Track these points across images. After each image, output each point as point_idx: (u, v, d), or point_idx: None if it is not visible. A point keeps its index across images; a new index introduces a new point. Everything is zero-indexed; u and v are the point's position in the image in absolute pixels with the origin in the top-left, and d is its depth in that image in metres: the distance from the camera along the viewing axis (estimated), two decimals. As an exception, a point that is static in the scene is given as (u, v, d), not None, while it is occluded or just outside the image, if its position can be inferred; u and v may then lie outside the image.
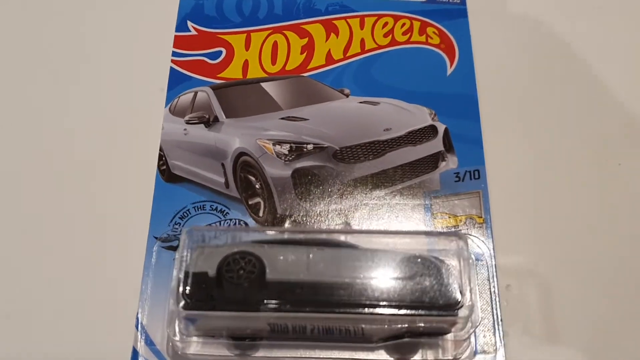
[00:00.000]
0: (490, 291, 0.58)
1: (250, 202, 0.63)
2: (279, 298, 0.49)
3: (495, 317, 0.57)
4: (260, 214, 0.63)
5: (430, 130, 0.67)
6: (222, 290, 0.49)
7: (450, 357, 0.55)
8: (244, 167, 0.65)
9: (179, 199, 0.63)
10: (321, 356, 0.55)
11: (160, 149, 0.66)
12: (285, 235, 0.53)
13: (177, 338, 0.54)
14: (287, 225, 0.62)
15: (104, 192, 0.63)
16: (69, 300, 0.58)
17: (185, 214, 0.62)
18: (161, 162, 0.65)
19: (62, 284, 0.59)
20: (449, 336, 0.53)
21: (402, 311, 0.48)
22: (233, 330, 0.52)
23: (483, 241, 0.61)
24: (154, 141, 0.66)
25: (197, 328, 0.53)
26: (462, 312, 0.50)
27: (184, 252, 0.51)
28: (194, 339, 0.55)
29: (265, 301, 0.48)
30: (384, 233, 0.54)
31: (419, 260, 0.50)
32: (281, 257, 0.50)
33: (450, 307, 0.49)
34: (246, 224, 0.62)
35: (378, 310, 0.48)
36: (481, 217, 0.62)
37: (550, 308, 0.59)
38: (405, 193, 0.64)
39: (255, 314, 0.48)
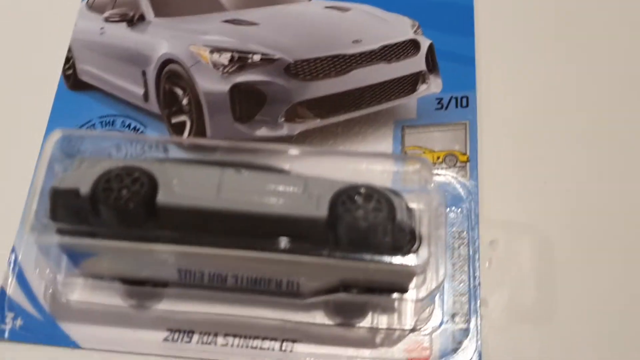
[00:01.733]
0: (468, 247, 0.46)
1: (173, 121, 0.52)
2: (169, 228, 0.37)
3: (471, 279, 0.45)
4: (185, 135, 0.51)
5: (411, 45, 0.55)
6: (96, 215, 0.37)
7: (406, 326, 0.43)
8: (171, 77, 0.53)
9: (83, 111, 0.52)
10: (242, 313, 0.44)
11: (69, 50, 0.54)
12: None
13: (58, 279, 0.43)
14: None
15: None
16: None
17: (89, 128, 0.50)
18: (67, 66, 0.54)
19: None
20: (405, 298, 0.41)
21: (337, 254, 0.37)
22: (124, 272, 0.40)
23: (465, 184, 0.48)
24: (63, 40, 0.55)
25: (80, 266, 0.42)
26: (418, 259, 0.37)
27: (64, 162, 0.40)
28: (80, 280, 0.44)
29: (148, 230, 0.37)
30: (326, 153, 0.42)
31: (365, 191, 0.38)
32: (181, 177, 0.38)
33: (404, 251, 0.37)
34: (165, 147, 0.50)
35: (297, 250, 0.37)
36: (465, 155, 0.50)
37: (544, 273, 0.46)
38: (371, 120, 0.52)
39: (136, 246, 0.37)
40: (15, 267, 0.45)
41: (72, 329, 0.44)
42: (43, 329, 0.44)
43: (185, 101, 0.52)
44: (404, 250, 0.37)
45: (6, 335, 0.44)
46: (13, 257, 0.45)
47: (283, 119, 0.52)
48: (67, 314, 0.44)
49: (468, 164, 0.50)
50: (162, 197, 0.38)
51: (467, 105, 0.52)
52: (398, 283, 0.39)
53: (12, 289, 0.45)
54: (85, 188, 0.38)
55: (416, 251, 0.37)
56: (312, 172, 0.41)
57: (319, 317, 0.44)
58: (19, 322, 0.44)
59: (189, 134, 0.51)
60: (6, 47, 0.54)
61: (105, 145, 0.42)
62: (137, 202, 0.37)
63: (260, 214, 0.37)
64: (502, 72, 0.54)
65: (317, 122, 0.52)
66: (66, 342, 0.44)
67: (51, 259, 0.41)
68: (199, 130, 0.51)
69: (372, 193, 0.38)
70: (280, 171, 0.41)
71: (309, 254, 0.36)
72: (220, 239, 0.37)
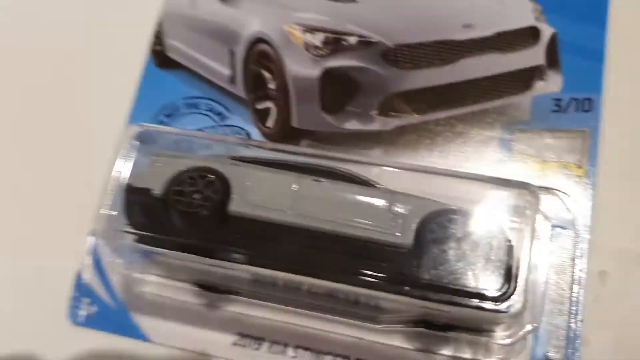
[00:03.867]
0: (572, 276, 0.41)
1: (257, 107, 0.50)
2: (239, 242, 0.36)
3: (572, 314, 0.41)
4: (269, 123, 0.49)
5: (530, 34, 0.50)
6: (167, 218, 0.37)
7: (492, 362, 0.40)
8: (260, 58, 0.51)
9: (168, 91, 0.51)
10: (315, 326, 0.42)
11: (159, 24, 0.53)
12: (278, 156, 0.39)
13: (132, 272, 0.44)
14: (302, 144, 0.48)
15: (79, 73, 0.52)
16: (20, 200, 0.49)
17: (173, 111, 0.50)
18: (156, 41, 0.53)
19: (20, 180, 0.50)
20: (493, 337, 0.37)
21: (416, 292, 0.34)
22: (194, 277, 0.40)
23: (577, 202, 0.44)
24: (151, 12, 0.53)
25: (151, 264, 0.42)
26: (511, 307, 0.34)
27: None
28: (153, 277, 0.44)
29: (219, 244, 0.36)
30: (419, 171, 0.39)
31: (457, 216, 0.35)
32: (256, 184, 0.36)
33: (492, 295, 0.33)
34: (248, 134, 0.49)
35: (378, 284, 0.34)
36: (581, 167, 0.45)
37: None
38: (477, 119, 0.48)
39: (205, 260, 0.36)
40: (93, 254, 0.45)
41: (144, 321, 0.44)
42: (116, 317, 0.45)
43: (272, 86, 0.50)
44: (496, 294, 0.33)
45: (82, 320, 0.45)
46: (90, 243, 0.46)
47: (376, 112, 0.48)
48: (140, 305, 0.44)
49: (584, 178, 0.45)
50: (234, 206, 0.36)
51: (589, 110, 0.46)
52: (485, 326, 0.35)
53: (89, 275, 0.45)
54: (157, 188, 0.37)
55: (510, 296, 0.33)
56: (399, 184, 0.38)
57: (397, 340, 0.41)
58: (94, 308, 0.45)
59: (274, 122, 0.49)
60: (93, 19, 0.54)
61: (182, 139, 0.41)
62: (209, 208, 0.36)
63: (335, 234, 0.35)
64: (637, 74, 0.47)
65: (415, 118, 0.48)
66: (136, 334, 0.44)
67: (124, 256, 0.41)
68: (283, 118, 0.49)
69: (468, 221, 0.35)
70: (364, 183, 0.38)
71: (385, 289, 0.34)
72: (291, 257, 0.35)
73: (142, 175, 0.38)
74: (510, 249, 0.35)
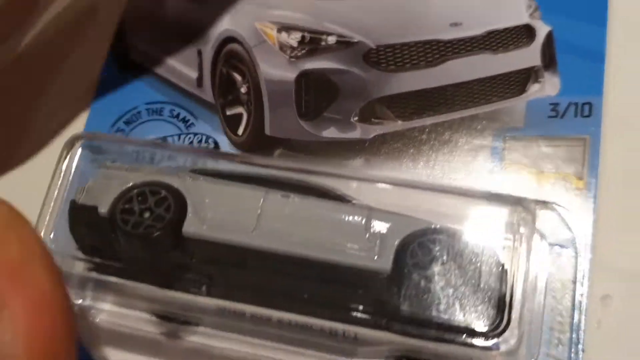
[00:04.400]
0: (572, 302, 0.37)
1: (227, 112, 0.46)
2: (195, 268, 0.31)
3: (573, 343, 0.37)
4: (240, 131, 0.45)
5: (524, 33, 0.46)
6: (113, 240, 0.32)
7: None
8: (230, 59, 0.47)
9: (129, 96, 0.46)
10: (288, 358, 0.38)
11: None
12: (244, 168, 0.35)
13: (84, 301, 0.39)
14: (276, 154, 0.44)
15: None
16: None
17: (134, 117, 0.46)
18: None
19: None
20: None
21: (396, 325, 0.30)
22: (152, 305, 0.36)
23: (577, 217, 0.40)
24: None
25: (105, 291, 0.37)
26: (504, 342, 0.30)
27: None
28: (107, 305, 0.39)
29: (172, 270, 0.31)
30: (397, 184, 0.35)
31: (442, 236, 0.31)
32: (216, 200, 0.32)
33: (481, 330, 0.29)
34: (216, 143, 0.45)
35: (353, 317, 0.30)
36: (582, 179, 0.41)
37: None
38: (466, 126, 0.44)
39: (158, 292, 0.31)
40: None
41: (99, 353, 0.40)
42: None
43: (243, 89, 0.46)
44: (488, 329, 0.29)
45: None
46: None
47: (357, 118, 0.44)
48: (95, 336, 0.40)
49: (584, 191, 0.41)
50: (189, 227, 0.32)
51: (589, 115, 0.43)
52: (473, 363, 0.31)
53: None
54: (104, 206, 0.33)
55: (503, 331, 0.29)
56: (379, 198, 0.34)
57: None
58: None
59: (245, 130, 0.45)
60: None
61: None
62: (161, 229, 0.32)
63: (304, 259, 0.31)
64: (640, 75, 0.43)
65: (398, 125, 0.44)
66: (91, 366, 0.40)
67: (73, 284, 0.36)
68: (255, 125, 0.45)
69: (455, 243, 0.30)
70: (339, 198, 0.34)
71: (361, 323, 0.30)
72: (255, 286, 0.31)
73: (88, 190, 0.34)
74: (503, 274, 0.31)
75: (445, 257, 0.31)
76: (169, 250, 0.32)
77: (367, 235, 0.32)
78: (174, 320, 0.36)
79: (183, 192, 0.33)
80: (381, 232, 0.32)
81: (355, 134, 0.44)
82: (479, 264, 0.30)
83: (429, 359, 0.32)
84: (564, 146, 0.42)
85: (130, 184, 0.33)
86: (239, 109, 0.46)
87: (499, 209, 0.32)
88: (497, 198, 0.34)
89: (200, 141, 0.45)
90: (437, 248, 0.31)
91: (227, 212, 0.33)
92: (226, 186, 0.34)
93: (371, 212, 0.33)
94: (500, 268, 0.31)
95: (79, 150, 0.34)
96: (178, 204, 0.32)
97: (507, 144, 0.43)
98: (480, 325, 0.29)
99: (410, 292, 0.30)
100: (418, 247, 0.31)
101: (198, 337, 0.39)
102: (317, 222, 0.32)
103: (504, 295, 0.30)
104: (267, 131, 0.45)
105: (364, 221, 0.32)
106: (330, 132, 0.44)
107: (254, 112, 0.45)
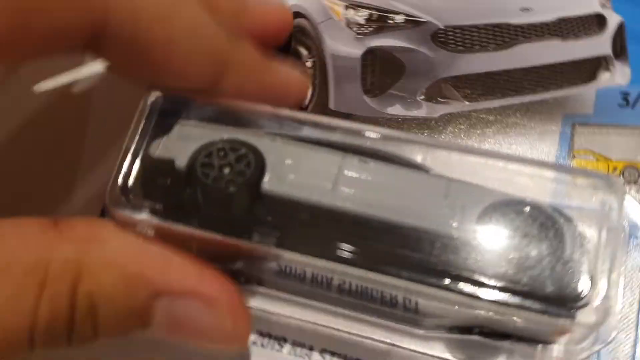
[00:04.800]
0: (642, 290, 0.37)
1: (293, 85, 0.46)
2: (271, 223, 0.31)
3: (641, 332, 0.36)
4: (304, 105, 0.45)
5: (595, 21, 0.45)
6: (190, 193, 0.32)
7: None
8: (296, 33, 0.47)
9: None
10: (346, 329, 0.38)
11: None
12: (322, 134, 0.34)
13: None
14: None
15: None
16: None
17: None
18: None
19: None
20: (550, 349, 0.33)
21: (477, 291, 0.29)
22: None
23: (645, 208, 0.39)
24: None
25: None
26: (585, 315, 0.29)
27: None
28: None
29: (252, 225, 0.31)
30: (481, 154, 0.34)
31: (527, 210, 0.30)
32: (294, 160, 0.32)
33: (565, 301, 0.29)
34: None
35: (434, 281, 0.30)
36: (651, 169, 0.40)
37: None
38: (534, 110, 0.43)
39: (235, 241, 0.31)
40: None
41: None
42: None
43: (309, 63, 0.46)
44: (567, 298, 0.29)
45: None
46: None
47: (423, 97, 0.44)
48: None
49: (654, 181, 0.40)
50: (269, 183, 0.32)
51: (661, 106, 0.42)
52: (552, 338, 0.31)
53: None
54: (181, 160, 0.33)
55: (584, 303, 0.29)
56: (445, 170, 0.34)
57: (438, 349, 0.37)
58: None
59: (309, 104, 0.45)
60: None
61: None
62: (240, 185, 0.32)
63: (382, 221, 0.31)
64: None
65: (465, 105, 0.44)
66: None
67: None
68: (320, 100, 0.45)
69: (536, 213, 0.30)
70: (416, 167, 0.34)
71: (439, 285, 0.29)
72: (330, 244, 0.31)
73: (164, 145, 0.34)
74: (583, 244, 0.30)
75: (527, 228, 0.30)
76: (247, 205, 0.32)
77: (447, 202, 0.31)
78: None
79: (262, 151, 0.33)
80: (461, 200, 0.31)
81: (421, 112, 0.44)
82: (562, 236, 0.30)
83: (504, 331, 0.32)
84: (634, 135, 0.42)
85: (209, 140, 0.33)
86: (304, 83, 0.46)
87: (583, 182, 0.32)
88: (581, 172, 0.34)
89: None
90: (519, 219, 0.30)
91: (304, 172, 0.32)
92: (304, 148, 0.33)
93: (450, 182, 0.32)
94: (582, 238, 0.30)
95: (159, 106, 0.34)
96: (257, 162, 0.32)
97: (576, 130, 0.42)
98: (561, 292, 0.29)
99: (489, 260, 0.30)
100: (500, 216, 0.30)
101: (255, 301, 0.38)
102: (394, 188, 0.32)
103: (584, 266, 0.29)
104: (332, 105, 0.44)
105: (443, 189, 0.32)
106: (395, 110, 0.44)
107: (319, 86, 0.45)
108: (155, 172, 0.33)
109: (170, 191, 0.33)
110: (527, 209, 0.31)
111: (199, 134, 0.34)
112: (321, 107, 0.44)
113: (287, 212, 0.32)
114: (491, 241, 0.30)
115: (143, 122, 0.34)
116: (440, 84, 0.44)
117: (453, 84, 0.44)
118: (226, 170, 0.32)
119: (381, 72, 0.45)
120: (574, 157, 0.41)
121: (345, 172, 0.32)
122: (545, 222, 0.30)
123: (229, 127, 0.34)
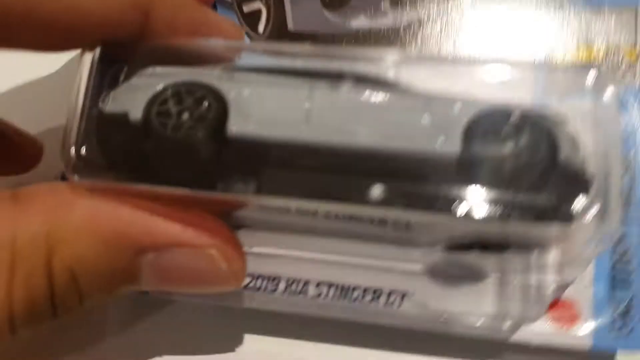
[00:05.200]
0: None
1: (245, 9, 0.42)
2: (248, 170, 0.29)
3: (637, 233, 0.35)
4: (260, 28, 0.42)
5: None
6: (150, 148, 0.29)
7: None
8: (241, -51, 0.42)
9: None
10: (340, 258, 0.36)
11: None
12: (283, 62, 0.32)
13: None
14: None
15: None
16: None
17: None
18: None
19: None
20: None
21: (472, 209, 0.27)
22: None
23: (633, 93, 0.37)
24: None
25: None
26: (583, 219, 0.28)
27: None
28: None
29: (223, 174, 0.29)
30: (455, 62, 0.31)
31: (514, 116, 0.28)
32: (259, 97, 0.29)
33: (563, 206, 0.27)
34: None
35: (426, 205, 0.28)
36: (634, 50, 0.38)
37: None
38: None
39: (207, 195, 0.29)
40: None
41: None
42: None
43: (260, -19, 0.42)
44: (564, 205, 0.27)
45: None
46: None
47: (387, 4, 0.41)
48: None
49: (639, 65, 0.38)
50: (234, 125, 0.29)
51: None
52: (549, 243, 0.29)
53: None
54: (135, 111, 0.30)
55: (584, 208, 0.27)
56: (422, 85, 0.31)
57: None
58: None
59: (266, 27, 0.42)
60: None
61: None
62: (202, 130, 0.29)
63: (364, 149, 0.28)
64: None
65: (433, 8, 0.41)
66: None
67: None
68: (277, 20, 0.41)
69: (525, 120, 0.28)
70: (391, 85, 0.31)
71: (432, 209, 0.27)
72: (314, 182, 0.29)
73: (116, 97, 0.30)
74: (577, 146, 0.28)
75: (516, 136, 0.28)
76: (214, 152, 0.29)
77: (430, 119, 0.29)
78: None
79: (221, 90, 0.30)
80: (445, 114, 0.29)
81: (387, 21, 0.41)
82: (555, 140, 0.28)
83: (501, 243, 0.30)
84: (614, 16, 0.39)
85: (162, 86, 0.30)
86: (257, 4, 0.42)
87: (567, 76, 0.30)
88: (563, 66, 0.31)
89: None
90: (507, 127, 0.28)
91: (271, 108, 0.30)
92: (267, 80, 0.30)
93: (429, 97, 0.30)
94: (575, 140, 0.28)
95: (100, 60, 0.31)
96: (218, 102, 0.29)
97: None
98: (559, 199, 0.27)
99: (481, 174, 0.28)
100: (489, 127, 0.28)
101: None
102: (371, 110, 0.29)
103: (582, 170, 0.28)
104: (290, 26, 0.41)
105: (422, 106, 0.29)
106: (360, 22, 0.41)
107: (274, 5, 0.41)
108: (109, 129, 0.30)
109: (128, 148, 0.30)
110: (514, 115, 0.28)
111: (150, 82, 0.31)
112: (279, 30, 0.41)
113: (259, 154, 0.29)
114: (482, 156, 0.28)
115: (86, 77, 0.30)
116: (405, -12, 0.41)
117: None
118: (185, 117, 0.29)
119: (339, -18, 0.41)
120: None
121: (316, 100, 0.30)
122: (535, 127, 0.29)
123: (180, 69, 0.31)
